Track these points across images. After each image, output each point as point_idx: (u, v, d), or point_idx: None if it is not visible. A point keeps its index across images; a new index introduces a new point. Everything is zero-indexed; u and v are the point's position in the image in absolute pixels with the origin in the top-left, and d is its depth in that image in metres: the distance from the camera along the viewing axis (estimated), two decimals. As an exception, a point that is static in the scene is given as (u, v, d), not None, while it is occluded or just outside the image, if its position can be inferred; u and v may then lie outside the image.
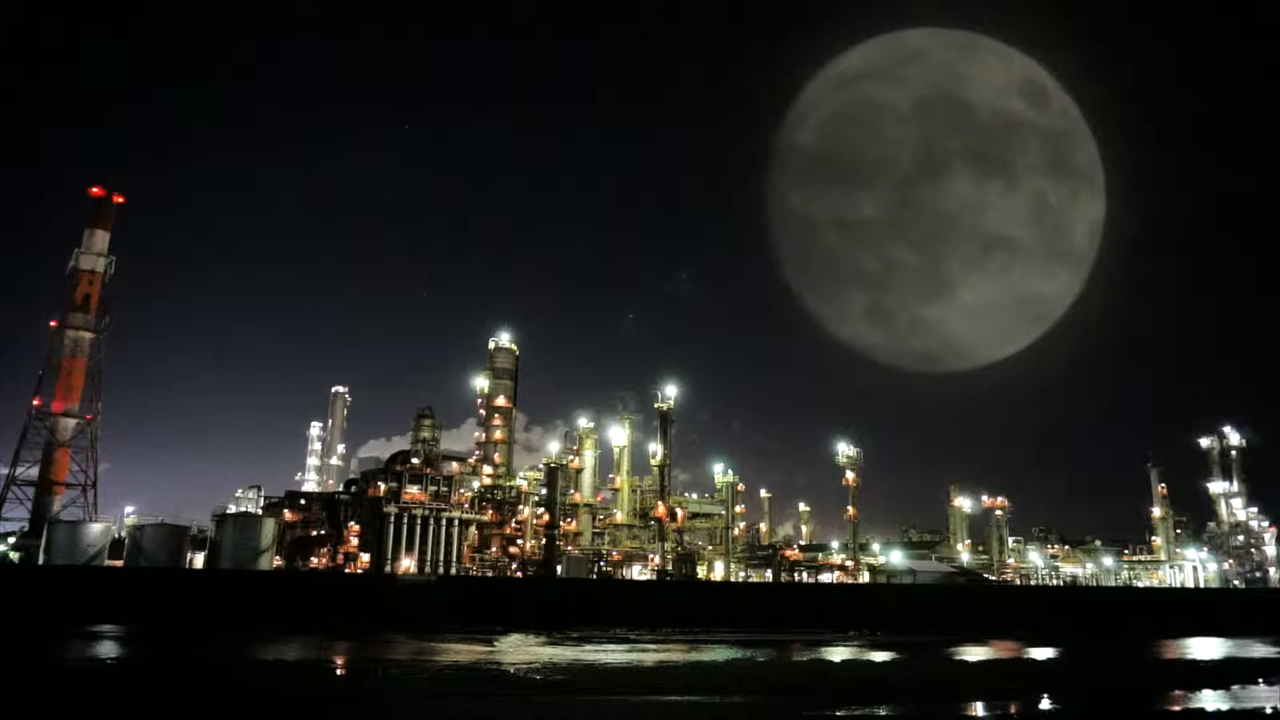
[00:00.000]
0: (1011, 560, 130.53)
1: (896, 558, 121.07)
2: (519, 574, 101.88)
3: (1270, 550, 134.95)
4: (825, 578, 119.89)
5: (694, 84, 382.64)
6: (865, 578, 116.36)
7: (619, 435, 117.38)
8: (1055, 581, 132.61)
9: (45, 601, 67.11)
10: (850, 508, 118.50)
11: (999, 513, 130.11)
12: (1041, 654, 60.04)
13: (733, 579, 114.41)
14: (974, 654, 59.52)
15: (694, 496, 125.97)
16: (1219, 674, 47.59)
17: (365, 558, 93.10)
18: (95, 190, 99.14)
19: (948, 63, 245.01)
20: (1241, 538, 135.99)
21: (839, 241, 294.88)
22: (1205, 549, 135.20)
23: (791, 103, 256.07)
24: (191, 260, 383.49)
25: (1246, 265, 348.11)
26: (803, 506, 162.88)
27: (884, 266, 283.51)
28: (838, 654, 56.59)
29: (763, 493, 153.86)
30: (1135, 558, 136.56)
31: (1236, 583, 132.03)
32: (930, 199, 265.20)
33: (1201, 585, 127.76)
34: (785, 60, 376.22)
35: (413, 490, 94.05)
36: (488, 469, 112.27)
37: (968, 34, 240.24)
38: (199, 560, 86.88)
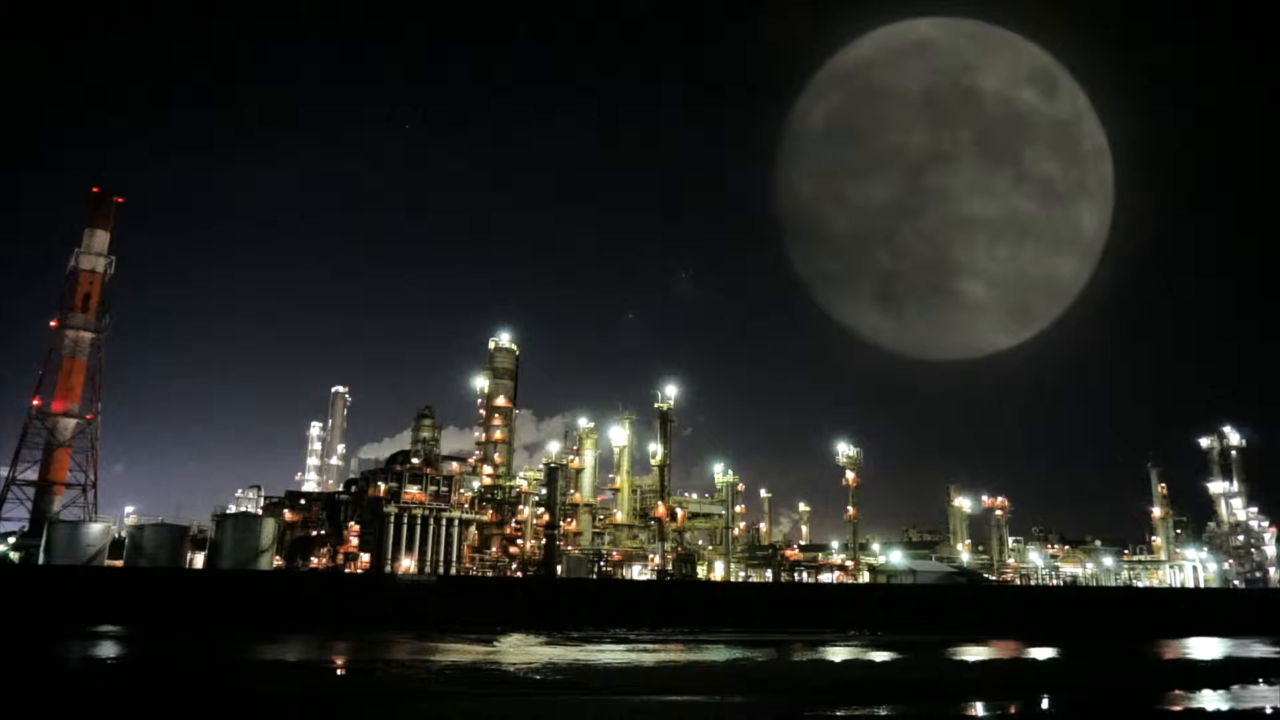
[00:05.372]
0: (1011, 560, 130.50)
1: (896, 558, 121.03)
2: (519, 574, 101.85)
3: (1270, 550, 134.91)
4: (825, 578, 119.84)
5: (697, 78, 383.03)
6: (865, 578, 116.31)
7: (619, 435, 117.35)
8: (1055, 581, 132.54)
9: (45, 601, 67.08)
10: (850, 508, 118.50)
11: (999, 513, 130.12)
12: (1041, 654, 60.00)
13: (733, 579, 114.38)
14: (974, 654, 59.48)
15: (694, 496, 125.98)
16: (1219, 674, 47.57)
17: (365, 558, 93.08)
18: (95, 190, 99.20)
19: (957, 51, 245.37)
20: (1241, 538, 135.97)
21: (847, 230, 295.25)
22: (1205, 549, 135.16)
23: (799, 92, 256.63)
24: (191, 260, 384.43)
25: (1248, 264, 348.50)
26: (803, 506, 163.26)
27: (893, 254, 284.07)
28: (838, 654, 56.56)
29: (763, 493, 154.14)
30: (1135, 558, 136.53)
31: (1236, 583, 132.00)
32: (939, 187, 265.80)
33: (1201, 585, 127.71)
34: (791, 51, 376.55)
35: (413, 490, 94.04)
36: (488, 469, 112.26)
37: (977, 23, 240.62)
38: (199, 560, 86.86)
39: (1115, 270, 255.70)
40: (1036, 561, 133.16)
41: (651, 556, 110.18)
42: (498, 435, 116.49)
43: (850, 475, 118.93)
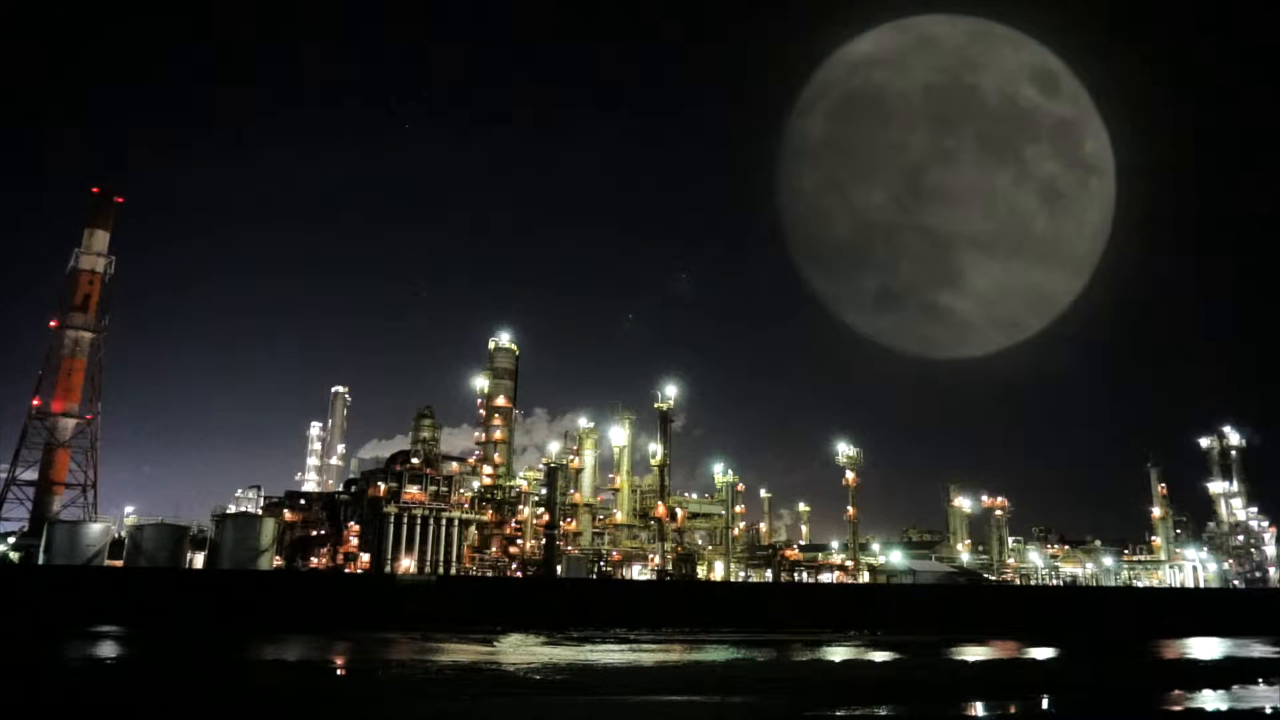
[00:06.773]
0: (1011, 560, 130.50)
1: (896, 558, 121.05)
2: (519, 574, 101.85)
3: (1270, 550, 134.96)
4: (825, 578, 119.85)
5: (697, 77, 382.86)
6: (865, 578, 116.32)
7: (619, 435, 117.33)
8: (1055, 581, 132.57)
9: (45, 601, 67.07)
10: (850, 507, 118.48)
11: (999, 513, 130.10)
12: (1041, 654, 60.04)
13: (733, 579, 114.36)
14: (974, 654, 59.52)
15: (694, 496, 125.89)
16: (1219, 674, 47.60)
17: (365, 558, 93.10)
18: (95, 190, 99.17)
19: (958, 49, 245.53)
20: (1241, 538, 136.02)
21: (848, 229, 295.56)
22: (1205, 549, 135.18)
23: (800, 92, 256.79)
24: (191, 260, 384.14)
25: (1248, 265, 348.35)
26: (803, 506, 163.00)
27: (894, 254, 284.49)
28: (838, 654, 56.60)
29: (763, 493, 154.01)
30: (1135, 558, 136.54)
31: (1236, 583, 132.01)
32: (940, 186, 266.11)
33: (1201, 585, 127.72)
34: (791, 49, 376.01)
35: (413, 490, 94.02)
36: (488, 469, 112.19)
37: (979, 20, 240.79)
38: (199, 560, 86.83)
39: (1115, 271, 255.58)
40: (1036, 561, 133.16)
41: (651, 556, 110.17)
42: (497, 435, 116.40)
43: (850, 475, 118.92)
